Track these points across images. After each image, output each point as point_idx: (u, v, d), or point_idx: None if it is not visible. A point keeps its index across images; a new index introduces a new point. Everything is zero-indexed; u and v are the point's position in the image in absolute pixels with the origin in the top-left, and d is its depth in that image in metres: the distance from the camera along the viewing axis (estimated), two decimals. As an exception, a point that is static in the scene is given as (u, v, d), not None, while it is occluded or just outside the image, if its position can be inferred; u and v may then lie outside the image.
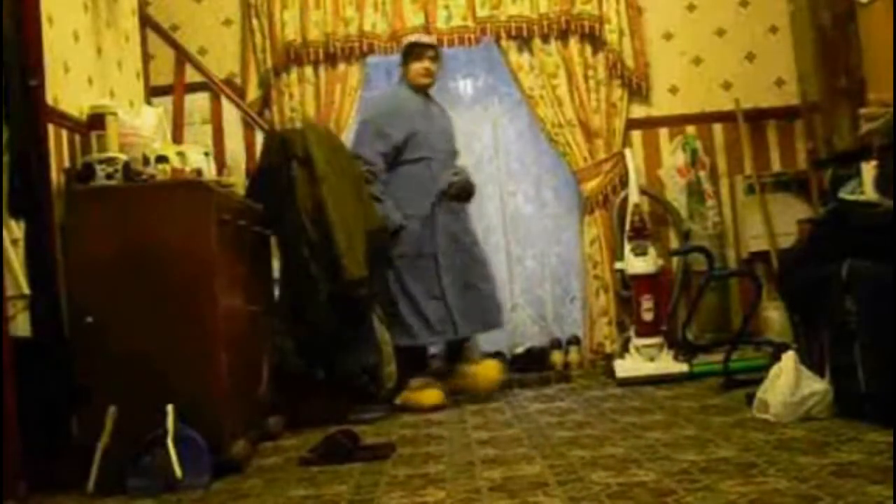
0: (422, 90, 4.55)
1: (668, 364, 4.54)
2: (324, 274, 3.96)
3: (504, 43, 5.08)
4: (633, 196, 4.85)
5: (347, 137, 4.94)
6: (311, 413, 4.03)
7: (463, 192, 4.47)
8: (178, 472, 2.87)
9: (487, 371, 4.50)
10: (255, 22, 5.19)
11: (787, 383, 3.17)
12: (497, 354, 5.02)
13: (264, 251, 4.11)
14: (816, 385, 3.17)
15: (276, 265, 4.25)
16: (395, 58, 5.22)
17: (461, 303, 4.36)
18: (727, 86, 5.24)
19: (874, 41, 3.88)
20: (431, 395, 4.27)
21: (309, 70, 5.14)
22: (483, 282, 4.49)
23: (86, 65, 3.80)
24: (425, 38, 4.68)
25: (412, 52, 4.52)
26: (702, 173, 5.09)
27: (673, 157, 5.17)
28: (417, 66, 4.50)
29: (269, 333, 3.93)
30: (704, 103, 5.24)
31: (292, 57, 5.11)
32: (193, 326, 3.10)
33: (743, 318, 4.55)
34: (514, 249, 5.36)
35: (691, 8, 5.30)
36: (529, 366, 5.02)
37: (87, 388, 3.04)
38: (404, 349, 4.35)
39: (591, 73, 5.14)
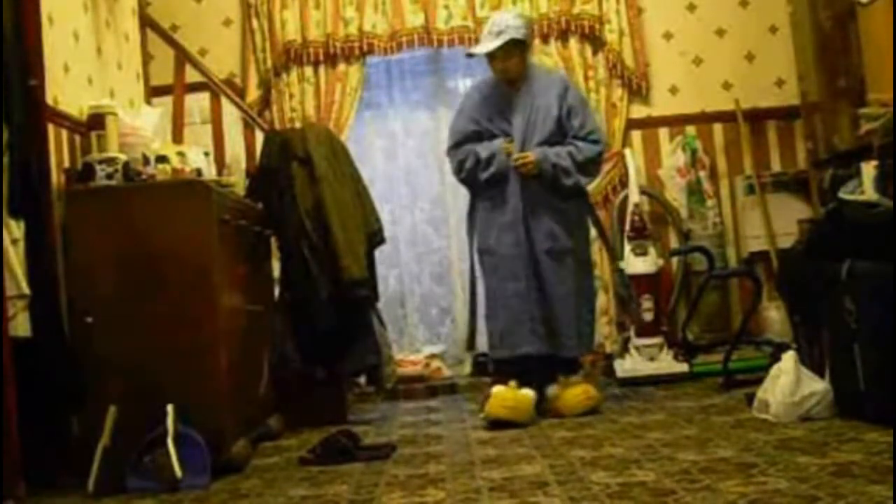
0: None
1: (668, 364, 4.54)
2: (324, 274, 3.96)
3: (504, 43, 5.07)
4: (633, 196, 4.85)
5: (347, 137, 4.95)
6: (311, 413, 4.03)
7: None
8: (178, 472, 2.87)
9: (574, 394, 3.82)
10: (255, 22, 5.19)
11: (787, 383, 3.17)
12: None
13: (264, 251, 4.11)
14: (816, 385, 3.17)
15: (276, 265, 4.25)
16: (396, 58, 5.26)
17: (514, 316, 3.83)
18: (727, 86, 5.24)
19: (874, 41, 3.88)
20: (494, 403, 3.69)
21: (309, 70, 5.14)
22: (545, 301, 3.85)
23: (86, 65, 3.79)
24: (479, 49, 4.03)
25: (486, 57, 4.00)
26: (702, 173, 5.09)
27: (673, 157, 5.16)
28: (492, 67, 4.01)
29: (269, 333, 3.93)
30: (704, 103, 5.24)
31: (292, 57, 5.11)
32: (193, 326, 3.09)
33: (743, 318, 4.54)
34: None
35: (691, 8, 5.30)
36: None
37: (82, 389, 3.04)
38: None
39: (591, 73, 5.14)
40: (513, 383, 3.74)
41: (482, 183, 3.96)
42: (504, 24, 3.94)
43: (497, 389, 3.73)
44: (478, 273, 4.06)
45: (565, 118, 3.96)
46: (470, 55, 4.16)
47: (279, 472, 3.09)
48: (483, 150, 3.94)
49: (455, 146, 4.04)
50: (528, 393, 3.75)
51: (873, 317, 2.95)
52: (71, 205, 3.21)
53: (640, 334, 4.65)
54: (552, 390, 3.87)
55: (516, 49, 3.93)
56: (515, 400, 3.69)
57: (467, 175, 4.01)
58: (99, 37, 3.98)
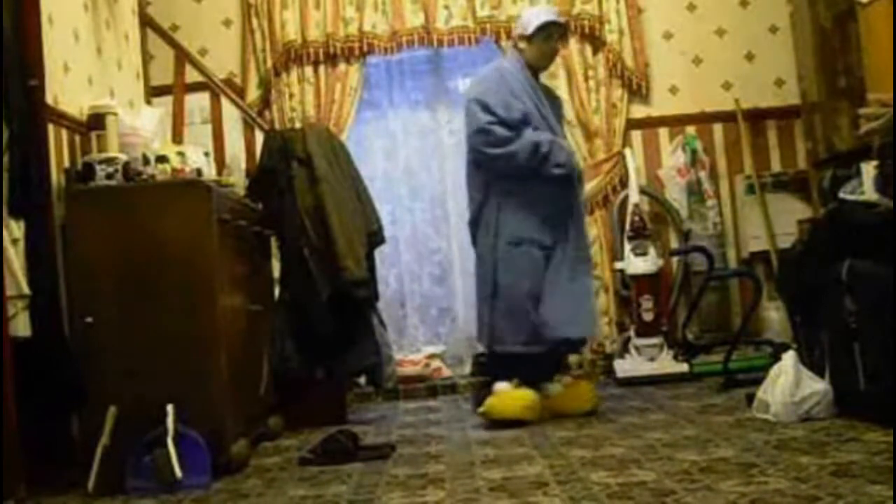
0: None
1: (668, 364, 4.54)
2: (324, 274, 3.96)
3: (504, 43, 5.07)
4: (633, 196, 4.86)
5: (347, 137, 4.95)
6: (311, 413, 4.03)
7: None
8: (178, 472, 2.87)
9: (578, 394, 3.85)
10: (255, 22, 5.19)
11: (787, 383, 3.17)
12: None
13: (264, 251, 4.11)
14: (816, 385, 3.17)
15: (276, 265, 4.25)
16: (395, 57, 5.26)
17: (548, 309, 3.77)
18: (727, 86, 5.24)
19: (874, 41, 3.88)
20: (516, 404, 3.68)
21: (309, 70, 5.13)
22: (553, 294, 3.80)
23: (86, 65, 3.80)
24: (557, 17, 4.05)
25: (542, 32, 3.92)
26: (702, 173, 5.09)
27: (673, 157, 5.16)
28: (542, 46, 3.94)
29: (269, 333, 3.93)
30: (704, 103, 5.24)
31: (292, 57, 5.11)
32: (193, 326, 3.10)
33: (743, 318, 4.54)
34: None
35: (691, 8, 5.30)
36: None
37: (83, 389, 3.04)
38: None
39: (591, 73, 5.14)
40: (516, 381, 3.74)
41: (545, 176, 3.80)
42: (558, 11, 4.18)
43: (504, 387, 3.72)
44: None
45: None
46: (549, 23, 3.92)
47: (279, 472, 3.09)
48: (557, 147, 3.83)
49: (507, 125, 3.78)
50: (533, 392, 3.74)
51: (873, 317, 2.95)
52: (71, 205, 3.21)
53: (640, 334, 4.65)
54: (554, 388, 3.84)
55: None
56: (530, 399, 3.69)
57: (534, 162, 3.77)
58: (99, 37, 3.98)
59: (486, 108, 3.80)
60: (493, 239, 3.84)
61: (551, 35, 3.95)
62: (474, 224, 3.94)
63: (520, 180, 3.82)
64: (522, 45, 3.96)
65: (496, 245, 3.83)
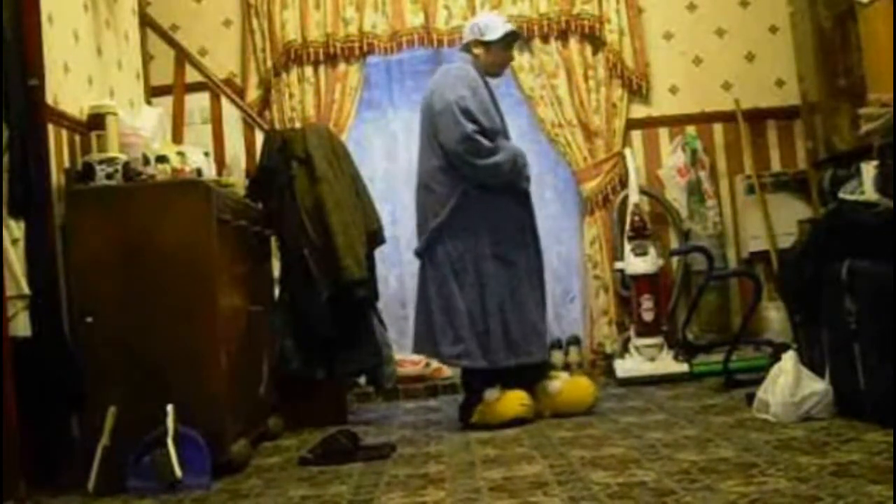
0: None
1: (668, 364, 4.54)
2: (324, 274, 3.96)
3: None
4: (633, 196, 4.86)
5: (347, 137, 4.95)
6: (311, 413, 4.03)
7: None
8: (178, 472, 2.87)
9: (578, 389, 3.85)
10: (255, 22, 5.19)
11: (787, 383, 3.17)
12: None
13: (264, 251, 4.11)
14: (816, 385, 3.17)
15: (276, 265, 4.25)
16: (395, 58, 5.26)
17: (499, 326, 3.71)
18: (727, 86, 5.23)
19: (874, 41, 3.88)
20: (512, 404, 3.68)
21: (309, 70, 5.13)
22: (509, 309, 3.73)
23: (86, 65, 3.80)
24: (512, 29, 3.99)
25: (505, 39, 3.91)
26: (702, 173, 5.09)
27: (673, 157, 5.16)
28: (500, 55, 3.94)
29: (269, 333, 3.93)
30: (704, 103, 5.24)
31: (292, 57, 5.11)
32: (193, 326, 3.10)
33: (743, 318, 4.54)
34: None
35: (691, 8, 5.30)
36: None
37: (82, 389, 3.04)
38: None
39: (591, 73, 5.14)
40: (499, 386, 3.70)
41: (518, 188, 3.82)
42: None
43: (492, 395, 3.67)
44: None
45: None
46: (515, 34, 3.97)
47: (279, 472, 3.09)
48: (525, 160, 3.86)
49: (487, 135, 3.70)
50: (523, 392, 3.71)
51: (873, 317, 2.95)
52: (71, 205, 3.21)
53: (640, 334, 4.65)
54: (554, 385, 3.80)
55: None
56: (523, 397, 3.67)
57: (513, 175, 3.76)
58: (99, 37, 3.98)
59: (469, 115, 3.67)
60: (472, 249, 3.71)
61: (510, 44, 3.96)
62: (444, 228, 3.73)
63: (493, 191, 3.74)
64: (478, 50, 3.88)
65: (475, 256, 3.71)
